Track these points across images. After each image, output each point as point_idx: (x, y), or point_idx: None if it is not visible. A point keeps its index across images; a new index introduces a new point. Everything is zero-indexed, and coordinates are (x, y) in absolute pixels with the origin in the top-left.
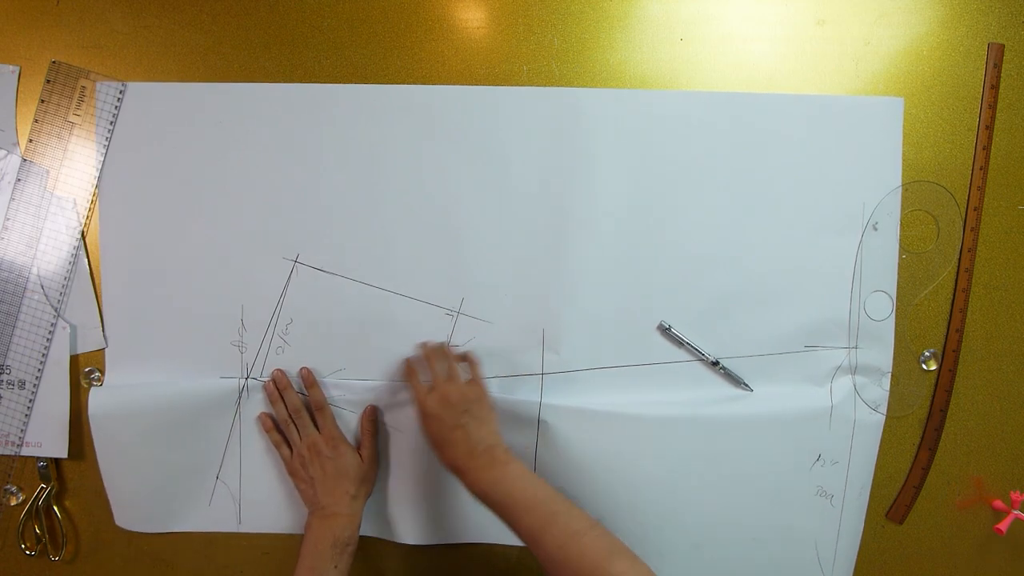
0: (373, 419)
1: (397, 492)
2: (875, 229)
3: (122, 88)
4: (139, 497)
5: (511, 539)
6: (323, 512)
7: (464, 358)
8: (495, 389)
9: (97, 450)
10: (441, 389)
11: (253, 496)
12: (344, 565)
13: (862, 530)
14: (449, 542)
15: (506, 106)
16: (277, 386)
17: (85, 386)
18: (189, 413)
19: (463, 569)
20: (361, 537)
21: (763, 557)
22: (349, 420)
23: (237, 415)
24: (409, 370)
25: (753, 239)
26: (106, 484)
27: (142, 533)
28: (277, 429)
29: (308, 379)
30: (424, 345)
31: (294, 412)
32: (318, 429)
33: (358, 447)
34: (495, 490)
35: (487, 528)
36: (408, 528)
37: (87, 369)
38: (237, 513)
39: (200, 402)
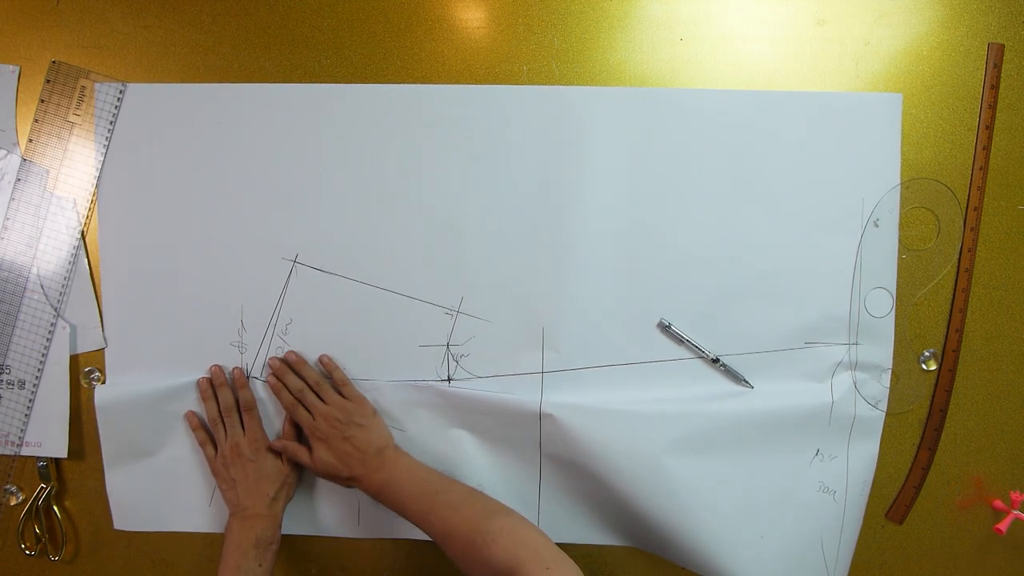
0: (293, 424)
1: None
2: (876, 226)
3: (122, 88)
4: (140, 496)
5: None
6: (244, 513)
7: (321, 363)
8: (495, 390)
9: (102, 443)
10: (321, 412)
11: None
12: (268, 563)
13: (859, 528)
14: None
15: (506, 105)
16: (213, 383)
17: (85, 386)
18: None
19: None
20: (361, 539)
21: (768, 552)
22: None
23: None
24: (290, 403)
25: (753, 236)
26: (108, 481)
27: (142, 533)
28: (204, 428)
29: (240, 380)
30: (275, 367)
31: (225, 412)
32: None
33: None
34: (387, 487)
35: None
36: (407, 526)
37: (87, 369)
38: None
39: (200, 403)
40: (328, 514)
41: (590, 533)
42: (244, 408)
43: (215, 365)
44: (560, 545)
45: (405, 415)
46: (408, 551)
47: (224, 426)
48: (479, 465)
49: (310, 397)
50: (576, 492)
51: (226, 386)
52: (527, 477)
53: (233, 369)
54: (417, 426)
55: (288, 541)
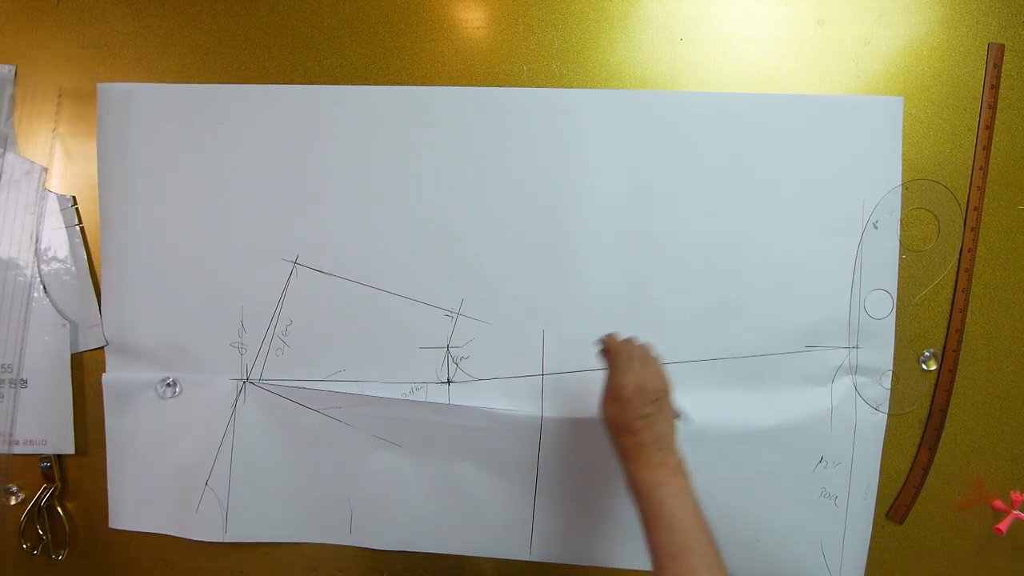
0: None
1: (393, 504)
2: (875, 227)
3: (123, 89)
4: (141, 494)
5: (500, 553)
6: None
7: None
8: (496, 392)
9: (107, 440)
10: (638, 374)
11: (241, 505)
12: None
13: (869, 530)
14: (441, 552)
15: (506, 107)
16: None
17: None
18: (187, 412)
19: (459, 570)
20: (360, 547)
21: (768, 559)
22: (347, 432)
23: (232, 418)
24: (609, 349)
25: (753, 239)
26: (109, 477)
27: (142, 533)
28: None
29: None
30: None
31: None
32: None
33: None
34: (650, 493)
35: (477, 540)
36: (403, 538)
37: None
38: (223, 522)
39: (197, 403)
40: (320, 520)
41: (585, 553)
42: None
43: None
44: (552, 566)
45: (400, 431)
46: (408, 554)
47: None
48: (475, 482)
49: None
50: (572, 509)
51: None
52: (522, 493)
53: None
54: (413, 442)
55: (289, 543)
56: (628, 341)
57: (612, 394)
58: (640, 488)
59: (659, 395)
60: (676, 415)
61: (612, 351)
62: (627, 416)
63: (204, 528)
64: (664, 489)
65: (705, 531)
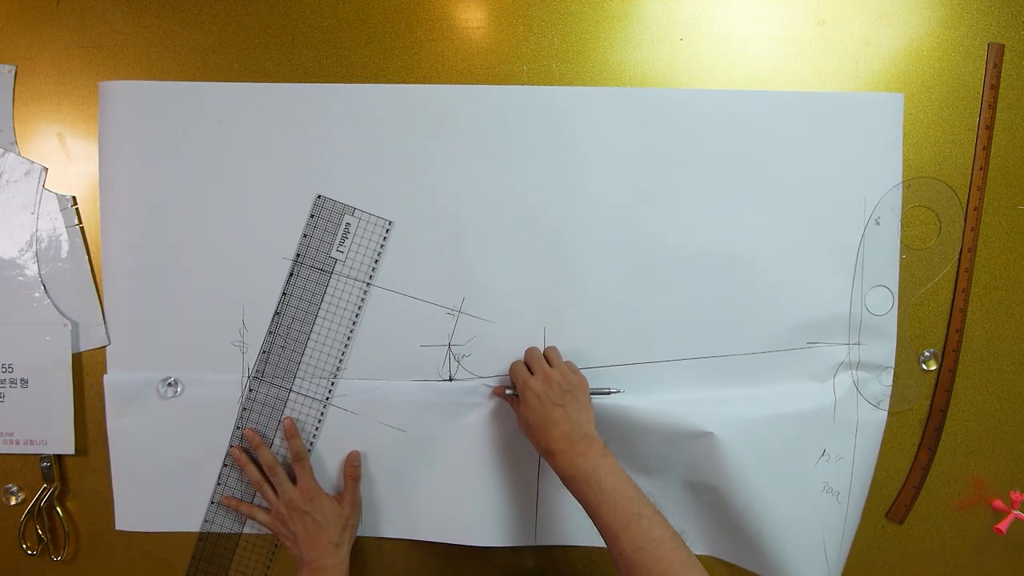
0: (356, 464)
1: (397, 491)
2: (877, 224)
3: (125, 86)
4: (144, 494)
5: (506, 541)
6: (310, 567)
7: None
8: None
9: (110, 441)
10: (544, 371)
11: (249, 500)
12: None
13: (857, 526)
14: (447, 541)
15: (506, 105)
16: (250, 445)
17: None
18: (191, 412)
19: (460, 568)
20: (360, 537)
21: (771, 551)
22: (351, 420)
23: (239, 415)
24: (513, 364)
25: (754, 236)
26: (114, 478)
27: (143, 533)
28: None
29: (290, 429)
30: (251, 439)
31: (269, 471)
32: (294, 482)
33: (339, 493)
34: (587, 478)
35: (482, 528)
36: (407, 525)
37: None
38: (240, 515)
39: (200, 402)
40: None
41: (588, 535)
42: (296, 458)
43: (248, 428)
44: (557, 548)
45: (406, 415)
46: (408, 551)
47: (271, 485)
48: (478, 462)
49: (280, 475)
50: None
51: (262, 446)
52: (525, 473)
53: (283, 419)
54: (418, 425)
55: None
56: (531, 349)
57: (525, 397)
58: (577, 476)
59: (570, 387)
60: (596, 394)
61: (515, 368)
62: (545, 409)
63: (221, 523)
64: (599, 471)
65: (646, 498)
